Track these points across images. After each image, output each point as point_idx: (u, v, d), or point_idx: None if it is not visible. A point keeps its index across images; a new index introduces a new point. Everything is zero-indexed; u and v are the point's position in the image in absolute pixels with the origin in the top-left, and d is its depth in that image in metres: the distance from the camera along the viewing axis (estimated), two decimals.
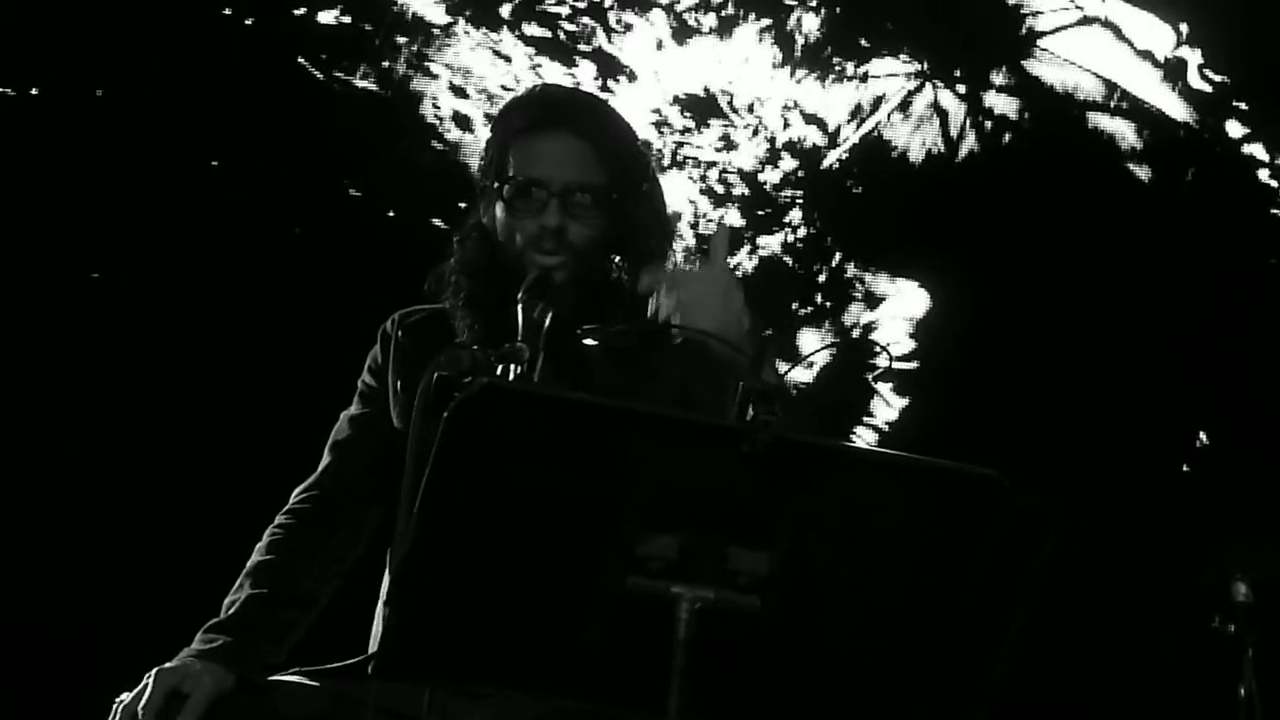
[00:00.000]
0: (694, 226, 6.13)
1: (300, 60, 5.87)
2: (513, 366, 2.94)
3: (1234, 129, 6.42)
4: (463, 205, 3.71)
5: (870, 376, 6.02)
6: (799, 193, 6.20)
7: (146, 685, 3.16)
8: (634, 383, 3.31)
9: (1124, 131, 6.36)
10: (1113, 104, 6.36)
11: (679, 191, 6.14)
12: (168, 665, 3.19)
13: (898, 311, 6.13)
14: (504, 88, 6.01)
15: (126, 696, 3.16)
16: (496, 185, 3.39)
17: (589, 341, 3.28)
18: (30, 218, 5.60)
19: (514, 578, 2.36)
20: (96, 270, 5.69)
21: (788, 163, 6.22)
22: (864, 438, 5.90)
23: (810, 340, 6.10)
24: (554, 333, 3.11)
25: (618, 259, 3.41)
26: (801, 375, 5.94)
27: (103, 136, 5.69)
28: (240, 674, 3.20)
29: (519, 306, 3.13)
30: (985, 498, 2.36)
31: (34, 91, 5.71)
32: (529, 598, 2.37)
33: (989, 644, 2.41)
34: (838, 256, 6.18)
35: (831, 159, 6.22)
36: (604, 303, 3.37)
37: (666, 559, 2.34)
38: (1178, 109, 6.40)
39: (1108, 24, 6.43)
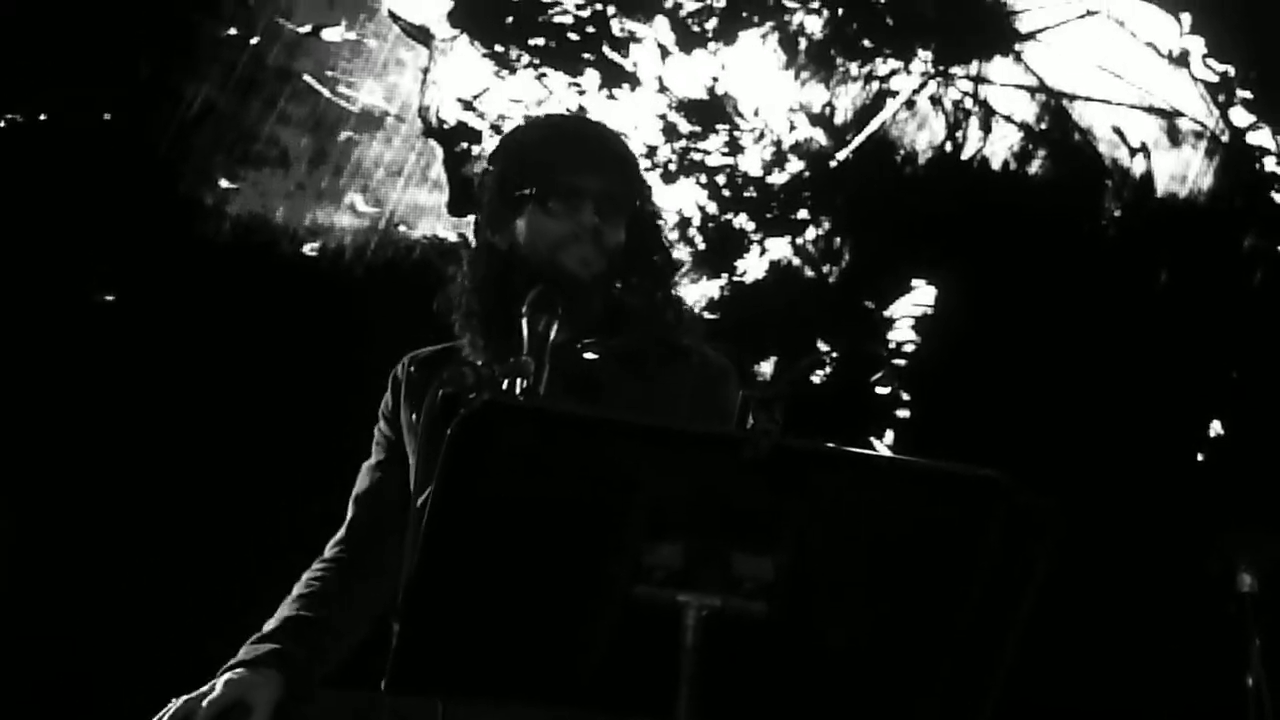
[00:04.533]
0: (702, 230, 6.15)
1: (306, 77, 5.91)
2: (518, 380, 2.97)
3: (1239, 118, 6.43)
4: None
5: (873, 380, 6.04)
6: (807, 194, 6.22)
7: (213, 687, 3.23)
8: (640, 395, 3.35)
9: (1130, 123, 6.37)
10: (1115, 100, 6.37)
11: (688, 197, 6.16)
12: (232, 675, 3.26)
13: (908, 310, 6.15)
14: (511, 100, 6.03)
15: (179, 700, 3.22)
16: (529, 192, 3.44)
17: (589, 356, 3.31)
18: (36, 233, 5.65)
19: (521, 589, 2.39)
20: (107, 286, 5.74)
21: (795, 164, 6.23)
22: (877, 437, 5.92)
23: (822, 343, 6.12)
24: (559, 346, 3.14)
25: (629, 279, 3.46)
26: (813, 377, 5.96)
27: (111, 153, 5.73)
28: (290, 680, 3.27)
29: (524, 320, 3.16)
30: (985, 498, 2.39)
31: (42, 117, 5.75)
32: (537, 609, 2.39)
33: (994, 642, 2.43)
34: (847, 257, 6.20)
35: (839, 159, 6.24)
36: (613, 318, 3.43)
37: (672, 567, 2.36)
38: (1183, 100, 6.41)
39: (1111, 17, 6.45)
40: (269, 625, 3.42)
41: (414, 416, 3.50)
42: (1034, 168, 6.34)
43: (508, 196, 3.48)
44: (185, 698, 3.23)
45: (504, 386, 2.89)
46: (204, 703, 3.20)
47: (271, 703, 3.23)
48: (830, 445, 2.43)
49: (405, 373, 3.57)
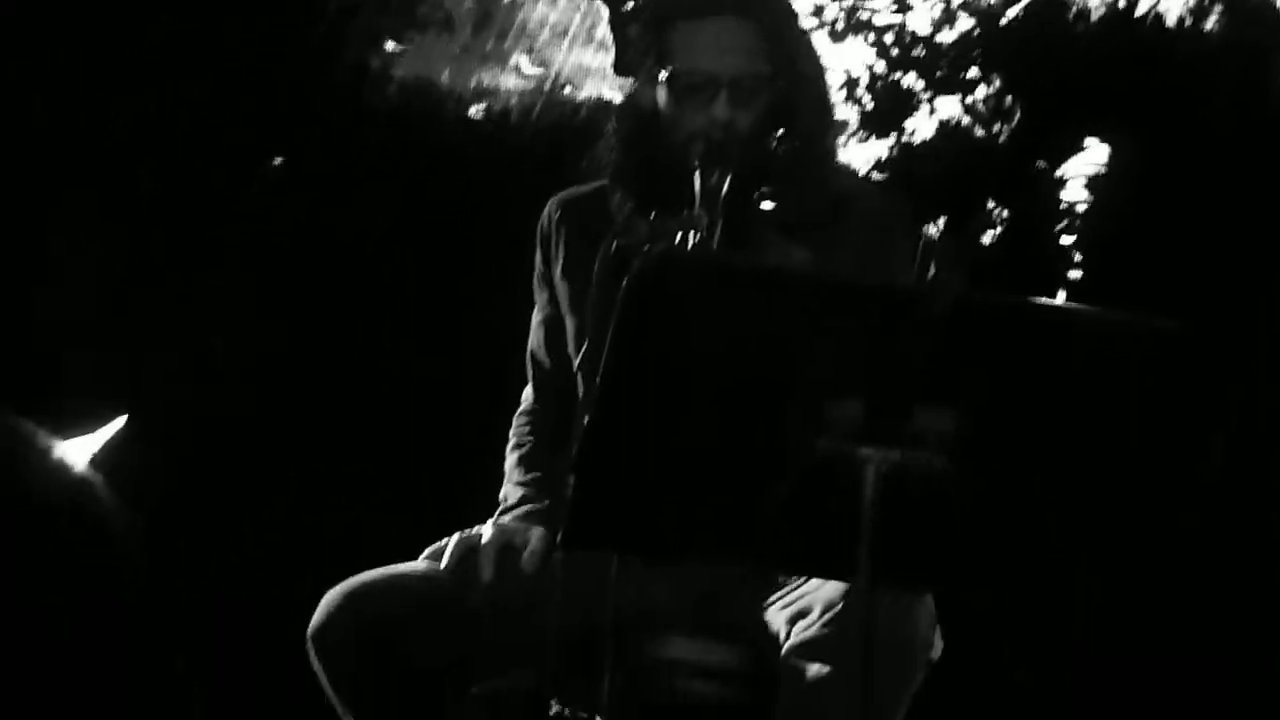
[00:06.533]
0: (870, 90, 6.08)
1: None
2: (691, 233, 2.95)
3: None
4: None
5: (1044, 240, 5.95)
6: (977, 52, 6.13)
7: (481, 532, 3.25)
8: (811, 250, 3.31)
9: None
10: None
11: (855, 56, 6.09)
12: (500, 523, 3.31)
13: (1080, 169, 6.06)
14: None
15: (454, 537, 3.25)
16: (661, 74, 3.36)
17: (765, 206, 3.27)
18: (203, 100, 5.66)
19: (697, 445, 2.37)
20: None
21: (964, 22, 6.14)
22: (1048, 297, 5.85)
23: (992, 203, 6.05)
24: (730, 200, 3.11)
25: (779, 133, 3.38)
26: (983, 238, 5.91)
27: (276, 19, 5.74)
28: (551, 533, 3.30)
29: (696, 173, 3.13)
30: (1168, 348, 2.35)
31: None
32: (712, 464, 2.38)
33: (1172, 496, 2.39)
34: (1017, 116, 6.11)
35: (1010, 16, 6.14)
36: (769, 176, 3.35)
37: (851, 421, 2.33)
38: None
39: None
40: (511, 493, 3.45)
41: (560, 269, 3.48)
42: (1209, 25, 6.20)
43: (646, 66, 3.42)
44: (457, 536, 3.24)
45: (677, 239, 2.87)
46: (483, 541, 3.22)
47: (546, 547, 3.25)
48: (1010, 297, 2.39)
49: (551, 221, 3.52)
